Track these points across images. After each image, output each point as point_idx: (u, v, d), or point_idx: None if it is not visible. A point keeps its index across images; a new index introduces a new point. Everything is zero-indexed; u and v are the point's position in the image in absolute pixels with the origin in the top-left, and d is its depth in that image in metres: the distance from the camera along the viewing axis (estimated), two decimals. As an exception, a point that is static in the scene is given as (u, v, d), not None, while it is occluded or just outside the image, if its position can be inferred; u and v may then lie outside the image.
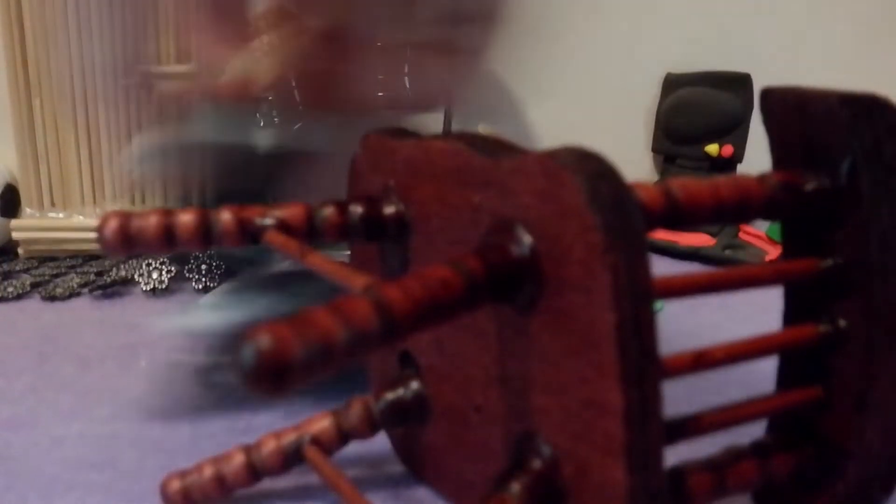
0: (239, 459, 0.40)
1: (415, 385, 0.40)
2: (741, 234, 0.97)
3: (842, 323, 0.32)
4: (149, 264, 0.80)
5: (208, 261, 0.81)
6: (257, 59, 0.54)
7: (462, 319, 0.34)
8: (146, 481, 0.44)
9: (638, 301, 0.26)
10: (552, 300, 0.28)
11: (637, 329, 0.26)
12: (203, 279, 0.79)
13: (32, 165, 0.90)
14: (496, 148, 0.32)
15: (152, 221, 0.36)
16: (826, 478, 0.34)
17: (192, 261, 0.81)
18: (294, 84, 0.56)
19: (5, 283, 0.80)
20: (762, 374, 0.38)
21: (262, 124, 0.58)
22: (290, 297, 0.53)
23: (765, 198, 0.32)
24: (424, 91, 0.57)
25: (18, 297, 0.78)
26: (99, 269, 0.85)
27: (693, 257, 0.94)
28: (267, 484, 0.42)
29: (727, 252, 0.92)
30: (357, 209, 0.38)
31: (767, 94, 0.35)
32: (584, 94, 1.20)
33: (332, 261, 0.32)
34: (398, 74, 0.57)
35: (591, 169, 0.27)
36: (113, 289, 0.80)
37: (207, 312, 0.52)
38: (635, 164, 1.20)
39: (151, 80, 0.84)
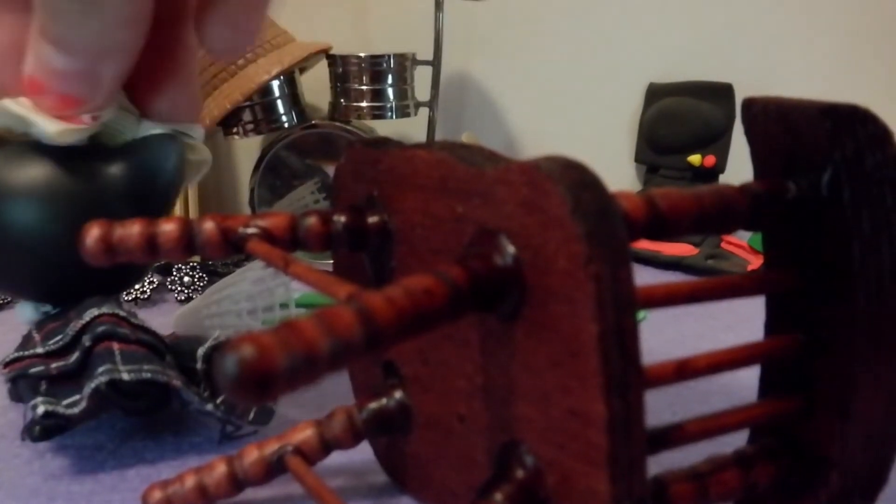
0: (221, 470, 0.40)
1: (398, 395, 0.40)
2: (724, 244, 0.98)
3: (824, 332, 0.33)
4: (138, 274, 0.79)
5: (191, 272, 0.81)
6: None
7: (446, 329, 0.34)
8: (128, 492, 0.44)
9: (621, 311, 0.26)
10: (536, 310, 0.28)
11: (620, 339, 0.26)
12: (185, 290, 0.79)
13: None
14: (479, 157, 0.32)
15: (134, 230, 0.36)
16: (808, 487, 0.34)
17: (174, 272, 0.81)
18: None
19: (-14, 292, 0.80)
20: (745, 384, 0.38)
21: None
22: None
23: (747, 208, 0.32)
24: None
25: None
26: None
27: (676, 267, 0.94)
28: (249, 494, 0.42)
29: (710, 262, 0.93)
30: (340, 219, 0.38)
31: (749, 104, 0.35)
32: (568, 103, 1.20)
33: (316, 270, 0.32)
34: None
35: (574, 179, 0.27)
36: (95, 299, 0.79)
37: (25, 305, 0.53)
38: (618, 173, 1.21)
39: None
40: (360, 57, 1.00)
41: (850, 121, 0.31)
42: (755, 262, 0.93)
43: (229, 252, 0.37)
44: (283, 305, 0.64)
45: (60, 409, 0.44)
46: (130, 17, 0.40)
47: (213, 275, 0.82)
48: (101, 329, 0.46)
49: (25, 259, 0.48)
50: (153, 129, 0.49)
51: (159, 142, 0.50)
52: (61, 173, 0.47)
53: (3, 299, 0.79)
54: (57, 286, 0.50)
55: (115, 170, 0.49)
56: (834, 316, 0.32)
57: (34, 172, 0.47)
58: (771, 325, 0.36)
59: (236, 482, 0.40)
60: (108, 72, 0.42)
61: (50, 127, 0.45)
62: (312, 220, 0.38)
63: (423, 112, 1.07)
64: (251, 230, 0.37)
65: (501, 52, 1.19)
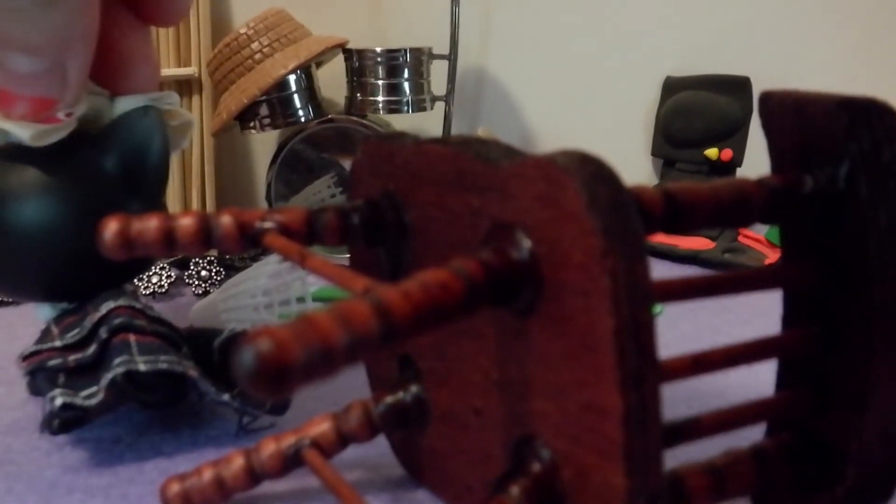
0: (238, 463, 0.40)
1: (414, 388, 0.40)
2: (740, 238, 0.97)
3: (840, 326, 0.33)
4: (144, 268, 0.80)
5: (208, 266, 0.81)
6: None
7: (462, 323, 0.34)
8: (145, 485, 0.44)
9: (637, 304, 0.26)
10: (551, 304, 0.28)
11: (636, 332, 0.26)
12: (203, 285, 0.79)
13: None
14: (495, 152, 0.32)
15: (152, 224, 0.36)
16: (825, 481, 0.34)
17: (191, 266, 0.81)
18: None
19: (5, 287, 0.80)
20: (761, 378, 0.38)
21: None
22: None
23: (764, 201, 0.32)
24: None
25: (17, 302, 0.78)
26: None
27: (692, 261, 0.94)
28: (266, 487, 0.42)
29: (726, 256, 0.93)
30: (357, 213, 0.38)
31: (766, 97, 0.35)
32: (584, 97, 1.20)
33: (333, 264, 0.32)
34: None
35: (590, 173, 0.27)
36: (113, 293, 0.80)
37: (44, 304, 0.53)
38: (635, 168, 1.20)
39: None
40: (376, 51, 1.00)
41: (867, 114, 0.31)
42: (772, 256, 0.92)
43: (246, 246, 0.37)
44: (300, 299, 0.64)
45: (78, 401, 0.44)
46: (86, 1, 0.40)
47: (230, 269, 0.82)
48: (117, 321, 0.47)
49: (31, 261, 0.48)
50: (128, 104, 0.49)
51: (140, 118, 0.49)
52: (53, 170, 0.47)
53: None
54: (64, 284, 0.50)
55: (105, 156, 0.49)
56: (851, 310, 0.32)
57: (25, 175, 0.47)
58: (788, 319, 0.36)
59: (254, 475, 0.40)
60: (74, 64, 0.42)
61: (25, 132, 0.45)
62: (329, 215, 0.38)
63: (440, 106, 1.07)
64: (268, 224, 0.37)
65: (518, 46, 1.19)
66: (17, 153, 0.47)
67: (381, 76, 1.01)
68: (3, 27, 0.39)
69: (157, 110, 0.51)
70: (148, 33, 0.50)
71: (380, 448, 0.45)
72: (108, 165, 0.49)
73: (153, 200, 0.52)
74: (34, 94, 0.42)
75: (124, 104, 0.49)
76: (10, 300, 0.77)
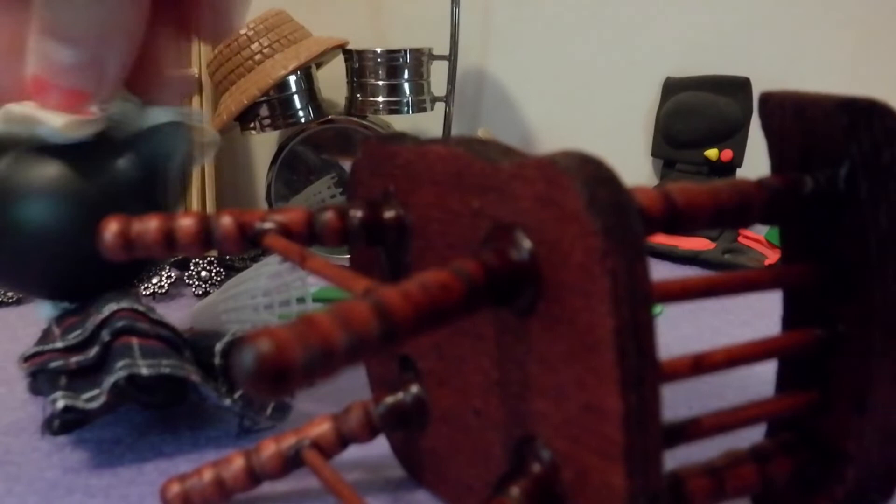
0: (238, 463, 0.40)
1: (414, 389, 0.40)
2: (740, 239, 0.97)
3: (841, 327, 0.33)
4: (148, 269, 0.80)
5: (208, 267, 0.81)
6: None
7: (462, 324, 0.34)
8: (146, 486, 0.44)
9: (637, 305, 0.26)
10: (551, 304, 0.29)
11: (636, 333, 0.26)
12: (203, 285, 0.79)
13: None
14: (496, 152, 0.32)
15: (152, 225, 0.36)
16: (825, 482, 0.34)
17: (192, 267, 0.81)
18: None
19: (5, 287, 0.80)
20: (761, 378, 0.38)
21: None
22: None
23: (764, 202, 0.32)
24: None
25: (18, 302, 0.78)
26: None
27: (692, 261, 0.94)
28: (267, 488, 0.42)
29: (726, 256, 0.93)
30: (357, 214, 0.38)
31: (766, 98, 0.35)
32: (584, 98, 1.20)
33: (333, 265, 0.32)
34: None
35: (590, 173, 0.27)
36: (113, 293, 0.80)
37: (45, 302, 0.53)
38: (635, 168, 1.20)
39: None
40: (376, 52, 1.00)
41: (867, 115, 0.31)
42: (773, 257, 0.92)
43: (246, 247, 0.37)
44: (300, 300, 0.64)
45: (80, 404, 0.44)
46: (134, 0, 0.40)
47: (231, 269, 0.82)
48: (120, 324, 0.46)
49: (41, 258, 0.48)
50: (158, 115, 0.49)
51: (168, 130, 0.50)
52: (73, 171, 0.47)
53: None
54: (71, 283, 0.51)
55: (126, 163, 0.49)
56: (851, 311, 0.32)
57: (46, 172, 0.47)
58: (788, 320, 0.36)
59: (254, 476, 0.40)
60: (113, 60, 0.42)
61: (57, 121, 0.45)
62: (329, 215, 0.38)
63: (440, 107, 1.07)
64: (268, 225, 0.37)
65: (518, 46, 1.19)
66: (40, 150, 0.47)
67: (381, 77, 1.01)
68: (48, 16, 0.39)
69: (187, 126, 0.51)
70: (186, 47, 0.50)
71: (380, 449, 0.45)
72: (130, 172, 0.49)
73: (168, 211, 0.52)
74: (70, 86, 0.42)
75: (155, 115, 0.50)
76: (11, 300, 0.77)
